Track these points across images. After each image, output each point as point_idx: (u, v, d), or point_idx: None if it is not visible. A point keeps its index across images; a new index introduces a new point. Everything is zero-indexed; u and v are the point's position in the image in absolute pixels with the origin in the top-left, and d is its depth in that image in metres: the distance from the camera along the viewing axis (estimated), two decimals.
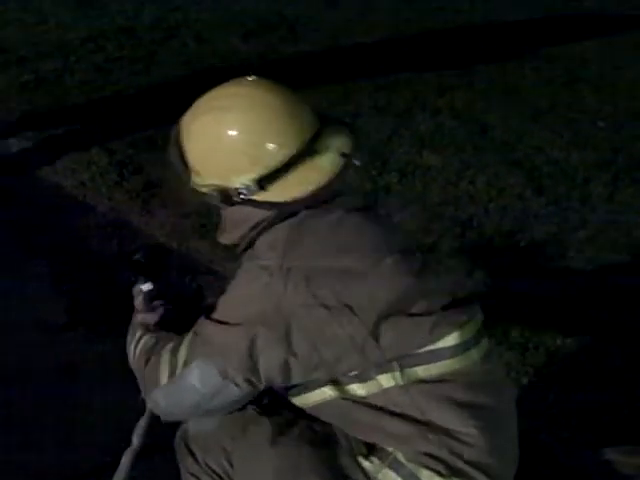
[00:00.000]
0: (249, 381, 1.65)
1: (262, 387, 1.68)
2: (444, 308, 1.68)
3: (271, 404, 1.79)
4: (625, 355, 3.14)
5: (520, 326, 3.23)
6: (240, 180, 1.66)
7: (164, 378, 1.74)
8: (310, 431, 1.75)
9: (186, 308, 1.97)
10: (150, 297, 1.96)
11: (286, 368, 1.63)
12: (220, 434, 1.81)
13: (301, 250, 1.62)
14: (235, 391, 1.67)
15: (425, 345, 1.65)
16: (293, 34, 6.65)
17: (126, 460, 2.09)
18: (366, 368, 1.65)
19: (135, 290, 1.99)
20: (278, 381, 1.67)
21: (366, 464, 1.70)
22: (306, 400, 1.74)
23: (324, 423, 1.76)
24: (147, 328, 1.90)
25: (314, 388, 1.70)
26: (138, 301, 1.97)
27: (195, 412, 1.76)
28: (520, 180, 4.49)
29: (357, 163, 1.71)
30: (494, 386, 1.74)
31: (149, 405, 1.84)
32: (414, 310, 1.64)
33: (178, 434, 1.93)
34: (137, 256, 1.99)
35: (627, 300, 3.47)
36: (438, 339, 1.65)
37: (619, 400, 2.92)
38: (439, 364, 1.66)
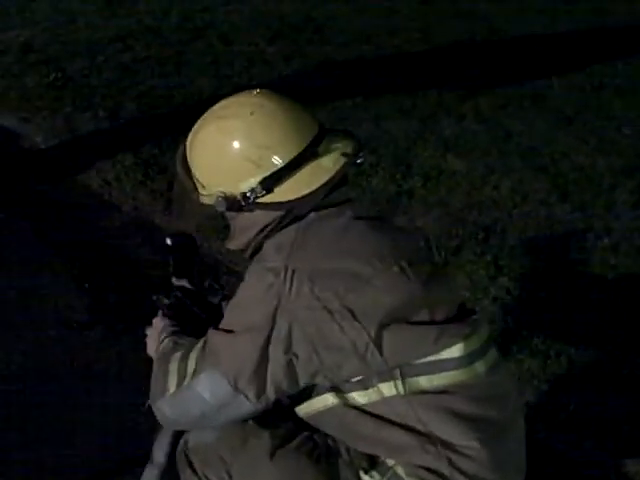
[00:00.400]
0: (259, 394, 1.63)
1: (272, 400, 1.65)
2: (448, 320, 1.67)
3: (272, 416, 1.75)
4: None
5: (542, 333, 3.22)
6: (246, 184, 1.69)
7: (172, 387, 1.73)
8: (311, 443, 1.74)
9: (203, 318, 1.97)
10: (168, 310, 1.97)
11: (291, 370, 1.62)
12: (220, 445, 1.78)
13: (306, 253, 1.64)
14: (245, 405, 1.65)
15: (429, 355, 1.64)
16: (319, 36, 6.65)
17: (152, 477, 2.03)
18: (368, 375, 1.64)
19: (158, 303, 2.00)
20: (285, 385, 1.64)
21: (366, 478, 1.69)
22: (308, 408, 1.73)
23: (325, 434, 1.75)
24: (170, 332, 1.88)
25: (316, 395, 1.69)
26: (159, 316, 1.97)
27: (201, 422, 1.75)
28: (545, 186, 4.47)
29: (359, 161, 1.74)
30: (499, 399, 1.72)
31: (155, 413, 1.80)
32: (418, 319, 1.64)
33: (179, 446, 1.90)
34: (168, 240, 2.04)
35: None
36: (442, 349, 1.64)
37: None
38: (442, 375, 1.64)
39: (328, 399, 1.68)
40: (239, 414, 1.69)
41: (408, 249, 1.72)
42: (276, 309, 1.60)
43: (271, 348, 1.61)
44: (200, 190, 1.77)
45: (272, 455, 1.72)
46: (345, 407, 1.67)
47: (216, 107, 1.79)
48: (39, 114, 4.93)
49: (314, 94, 5.10)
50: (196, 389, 1.68)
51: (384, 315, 1.60)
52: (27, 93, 5.14)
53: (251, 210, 1.71)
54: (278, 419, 1.76)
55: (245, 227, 1.76)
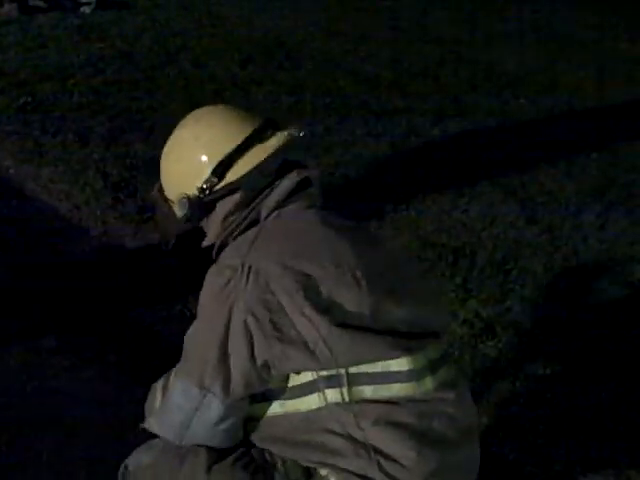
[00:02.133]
0: (225, 388, 1.66)
1: (239, 394, 1.67)
2: (400, 333, 1.68)
3: None
4: (613, 383, 3.14)
5: (511, 354, 3.24)
6: (200, 179, 1.78)
7: (157, 402, 1.80)
8: (247, 457, 1.76)
9: None
10: None
11: (250, 360, 1.65)
12: (158, 466, 1.81)
13: (263, 252, 1.70)
14: (214, 402, 1.67)
15: (378, 360, 1.65)
16: (291, 61, 6.70)
17: None
18: (316, 371, 1.65)
19: None
20: (248, 377, 1.66)
21: None
22: (253, 412, 1.75)
23: (262, 449, 1.77)
24: None
25: (262, 400, 1.73)
26: None
27: (185, 433, 1.74)
28: (513, 209, 4.51)
29: (301, 134, 1.83)
30: (448, 417, 1.71)
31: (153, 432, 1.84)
32: (369, 325, 1.66)
33: (120, 470, 1.91)
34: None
35: (617, 331, 3.48)
36: (391, 358, 1.66)
37: (609, 425, 2.92)
38: (390, 387, 1.66)
39: (272, 404, 1.72)
40: (212, 416, 1.70)
41: (372, 263, 1.73)
42: (232, 303, 1.65)
43: (230, 341, 1.66)
44: (172, 205, 1.86)
45: (208, 470, 1.74)
46: (288, 411, 1.71)
47: None
48: (8, 138, 4.89)
49: (285, 119, 5.13)
50: (172, 397, 1.74)
51: (334, 314, 1.64)
52: None
53: (213, 204, 1.79)
54: None
55: (212, 222, 1.82)
